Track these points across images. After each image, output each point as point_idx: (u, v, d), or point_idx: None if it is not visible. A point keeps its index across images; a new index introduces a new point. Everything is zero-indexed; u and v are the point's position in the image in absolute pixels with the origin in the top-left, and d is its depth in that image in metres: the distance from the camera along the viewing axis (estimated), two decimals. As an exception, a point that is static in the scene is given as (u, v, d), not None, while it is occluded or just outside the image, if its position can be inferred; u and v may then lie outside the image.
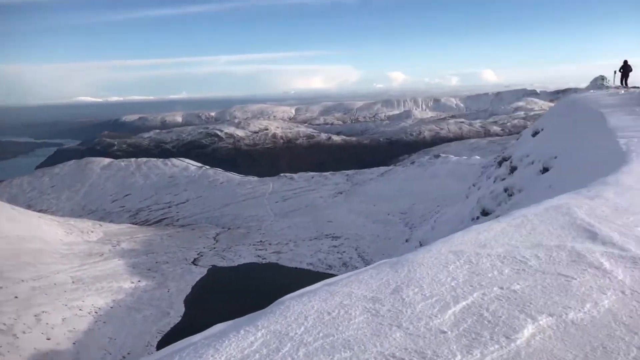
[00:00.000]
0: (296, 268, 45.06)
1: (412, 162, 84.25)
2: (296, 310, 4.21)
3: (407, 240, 41.73)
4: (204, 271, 44.41)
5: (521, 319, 3.93)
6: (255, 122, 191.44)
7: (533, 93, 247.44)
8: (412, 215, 56.17)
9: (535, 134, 28.30)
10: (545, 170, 23.29)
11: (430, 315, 4.01)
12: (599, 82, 32.05)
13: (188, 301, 37.29)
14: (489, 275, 4.77)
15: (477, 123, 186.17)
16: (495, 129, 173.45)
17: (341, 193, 72.11)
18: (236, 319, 4.69)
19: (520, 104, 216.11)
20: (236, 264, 46.96)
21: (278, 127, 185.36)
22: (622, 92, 27.61)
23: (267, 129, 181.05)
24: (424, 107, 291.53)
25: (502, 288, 4.48)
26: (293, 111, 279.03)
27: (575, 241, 5.65)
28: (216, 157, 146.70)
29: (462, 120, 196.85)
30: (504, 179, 27.70)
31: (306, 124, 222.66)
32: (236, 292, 37.85)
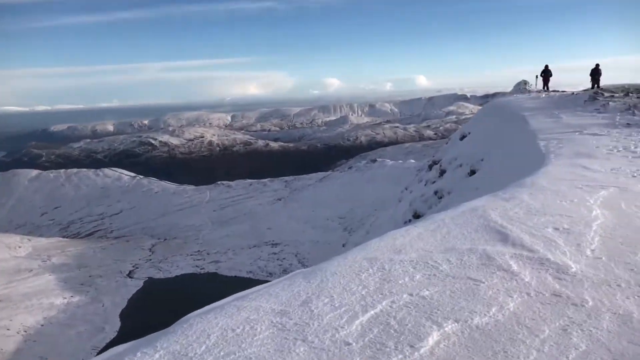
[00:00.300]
0: (235, 277, 44.50)
1: (350, 167, 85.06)
2: (199, 329, 4.02)
3: (344, 245, 42.02)
4: (140, 284, 43.19)
5: (427, 326, 3.90)
6: (190, 130, 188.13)
7: (463, 97, 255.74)
8: (350, 220, 56.62)
9: (462, 137, 29.10)
10: (472, 172, 23.95)
11: (337, 326, 3.92)
12: (521, 87, 33.36)
13: (124, 315, 36.15)
14: (400, 282, 4.74)
15: (412, 127, 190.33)
16: (429, 132, 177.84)
17: (280, 200, 71.87)
18: (137, 340, 4.44)
19: (452, 108, 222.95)
20: (173, 275, 45.93)
21: (214, 135, 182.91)
22: (543, 95, 28.83)
23: (202, 137, 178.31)
24: (359, 112, 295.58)
25: (411, 295, 4.45)
26: (229, 118, 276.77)
27: (487, 244, 5.72)
28: (150, 166, 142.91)
29: (397, 125, 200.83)
30: (434, 182, 28.32)
31: (243, 131, 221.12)
32: (174, 303, 36.86)
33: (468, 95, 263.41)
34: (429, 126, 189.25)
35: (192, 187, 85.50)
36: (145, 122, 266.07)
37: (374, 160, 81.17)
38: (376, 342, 3.68)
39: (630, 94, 23.90)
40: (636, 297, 4.37)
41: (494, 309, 4.16)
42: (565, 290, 4.50)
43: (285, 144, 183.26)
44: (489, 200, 8.10)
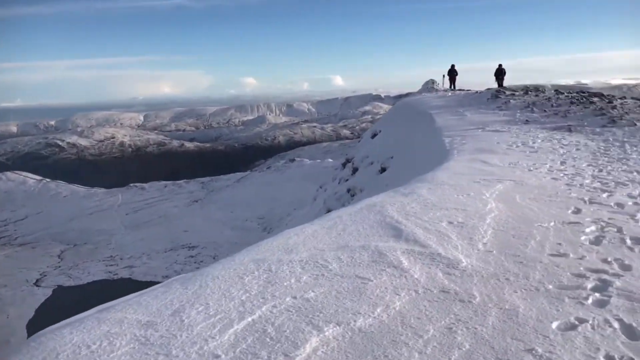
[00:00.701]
0: (151, 282, 42.82)
1: (268, 167, 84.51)
2: (48, 347, 3.50)
3: (260, 246, 41.50)
4: (49, 292, 40.75)
5: (307, 331, 3.59)
6: (101, 130, 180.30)
7: (378, 98, 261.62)
8: (270, 220, 56.10)
9: (374, 136, 29.45)
10: (383, 170, 24.23)
11: (207, 337, 3.53)
12: (429, 86, 34.28)
13: (31, 326, 33.87)
14: (285, 283, 4.42)
15: (329, 127, 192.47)
16: (346, 132, 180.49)
17: (197, 201, 70.15)
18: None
19: (367, 108, 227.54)
20: (84, 282, 43.70)
21: (125, 135, 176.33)
22: (449, 94, 29.72)
23: (113, 137, 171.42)
24: (277, 112, 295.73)
25: (295, 297, 4.14)
26: (141, 118, 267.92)
27: (380, 240, 5.53)
28: (58, 169, 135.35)
29: (315, 124, 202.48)
30: (347, 180, 28.47)
31: (156, 131, 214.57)
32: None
33: (382, 95, 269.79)
34: (345, 125, 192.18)
35: (103, 190, 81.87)
36: (52, 122, 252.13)
37: (293, 160, 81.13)
38: (248, 353, 3.33)
39: (530, 93, 25.07)
40: (523, 290, 4.29)
41: (379, 309, 3.92)
42: (453, 286, 4.35)
43: (202, 144, 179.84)
44: (389, 195, 7.98)
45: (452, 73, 33.55)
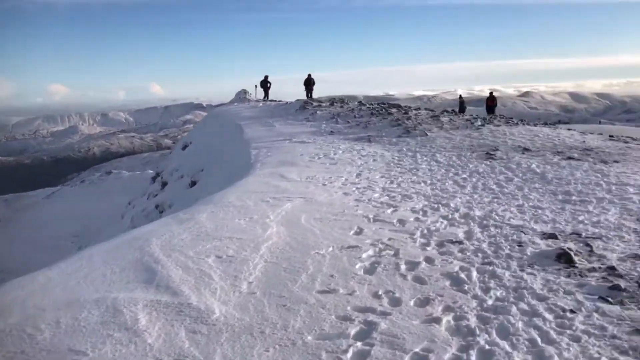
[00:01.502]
0: None
1: (82, 181, 77.56)
2: None
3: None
4: None
5: None
6: None
7: (200, 106, 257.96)
8: (86, 237, 50.71)
9: (184, 147, 28.07)
10: (193, 183, 23.02)
11: None
12: (242, 96, 33.75)
13: None
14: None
15: (149, 137, 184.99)
16: (167, 142, 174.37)
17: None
18: None
19: (189, 117, 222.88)
20: None
21: None
22: (261, 104, 29.45)
23: None
24: (91, 122, 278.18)
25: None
26: None
27: (125, 289, 4.51)
28: None
29: (133, 134, 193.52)
30: (156, 195, 26.68)
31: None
32: None
33: (204, 104, 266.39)
34: (166, 135, 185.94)
35: None
36: None
37: (109, 172, 75.42)
38: None
39: (335, 104, 25.66)
40: (277, 346, 3.59)
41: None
42: (194, 350, 3.51)
43: (4, 158, 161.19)
44: (162, 224, 6.99)
45: (265, 83, 33.38)
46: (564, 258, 5.40)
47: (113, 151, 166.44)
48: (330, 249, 5.80)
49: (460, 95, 32.22)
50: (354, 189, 9.78)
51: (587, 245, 5.98)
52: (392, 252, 5.76)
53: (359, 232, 6.60)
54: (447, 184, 10.47)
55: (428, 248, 5.97)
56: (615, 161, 12.45)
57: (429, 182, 10.70)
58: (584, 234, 6.56)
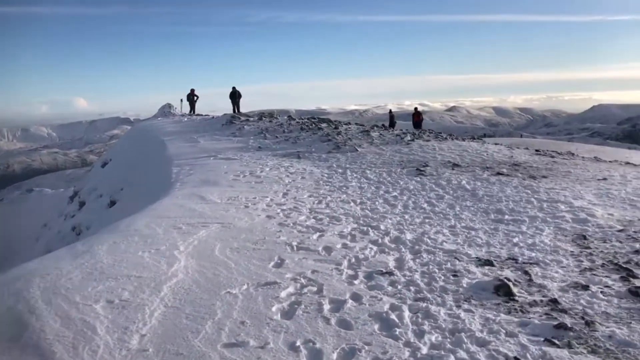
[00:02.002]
0: None
1: (1, 199, 72.81)
2: None
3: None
4: None
5: None
6: None
7: (127, 121, 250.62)
8: (6, 260, 47.51)
9: (104, 164, 26.48)
10: (112, 203, 21.59)
11: None
12: (166, 110, 32.42)
13: None
14: None
15: (73, 152, 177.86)
16: (93, 157, 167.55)
17: None
18: None
19: (116, 132, 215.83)
20: None
21: None
22: (186, 119, 28.29)
23: None
24: (10, 137, 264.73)
25: None
26: None
27: (-20, 353, 3.60)
28: None
29: (57, 150, 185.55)
30: (73, 216, 24.93)
31: None
32: None
33: (132, 118, 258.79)
34: (92, 151, 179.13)
35: None
36: None
37: (31, 190, 71.07)
38: None
39: (264, 118, 24.93)
40: None
41: None
42: None
43: None
44: (53, 258, 6.02)
45: (192, 97, 32.20)
46: (503, 290, 4.90)
47: (35, 168, 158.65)
48: (245, 286, 5.05)
49: (390, 110, 32.27)
50: (278, 210, 9.07)
51: (525, 273, 5.53)
52: (315, 289, 5.08)
53: (280, 263, 5.88)
54: (377, 203, 9.96)
55: (355, 282, 5.33)
56: (544, 176, 12.38)
57: (358, 201, 10.16)
58: (520, 259, 6.14)
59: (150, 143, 22.94)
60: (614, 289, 5.00)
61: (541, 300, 4.70)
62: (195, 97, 32.39)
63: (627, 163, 15.91)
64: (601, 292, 4.90)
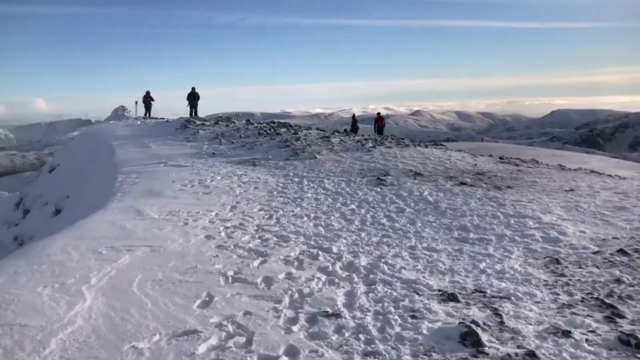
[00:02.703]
0: None
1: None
2: None
3: None
4: None
5: None
6: None
7: (88, 122, 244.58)
8: None
9: (52, 170, 24.96)
10: (58, 212, 20.27)
11: None
12: (119, 112, 31.01)
13: None
14: None
15: (32, 155, 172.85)
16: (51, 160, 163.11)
17: None
18: None
19: (76, 133, 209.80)
20: None
21: None
22: (139, 122, 26.98)
23: None
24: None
25: None
26: None
27: None
28: None
29: (14, 152, 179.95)
30: (17, 225, 23.38)
31: None
32: None
33: (93, 120, 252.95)
34: (51, 153, 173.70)
35: None
36: None
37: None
38: None
39: (220, 122, 23.85)
40: None
41: None
42: None
43: None
44: None
45: (147, 99, 30.84)
46: (470, 339, 4.07)
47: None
48: (156, 337, 4.09)
49: (354, 115, 31.45)
50: (221, 228, 8.11)
51: (495, 312, 4.72)
52: (243, 340, 4.15)
53: (207, 302, 4.93)
54: (332, 217, 9.11)
55: (294, 328, 4.42)
56: (509, 187, 11.73)
57: (312, 215, 9.28)
58: (489, 291, 5.34)
59: (99, 148, 21.64)
60: (600, 334, 4.22)
61: (516, 354, 3.88)
62: (151, 100, 31.05)
63: (592, 171, 15.46)
64: (586, 340, 4.11)
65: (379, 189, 11.65)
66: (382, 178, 12.77)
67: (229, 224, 8.45)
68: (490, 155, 18.29)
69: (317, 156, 16.19)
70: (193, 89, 28.73)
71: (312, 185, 12.40)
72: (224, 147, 18.72)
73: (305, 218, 9.08)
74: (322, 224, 8.65)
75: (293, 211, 9.64)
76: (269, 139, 19.47)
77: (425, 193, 11.07)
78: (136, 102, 31.09)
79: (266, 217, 9.18)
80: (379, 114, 30.54)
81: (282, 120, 28.96)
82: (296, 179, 13.20)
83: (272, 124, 23.78)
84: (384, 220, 8.84)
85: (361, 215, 9.25)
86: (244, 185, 12.53)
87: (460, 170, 14.15)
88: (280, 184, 12.60)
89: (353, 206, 10.04)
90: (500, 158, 17.10)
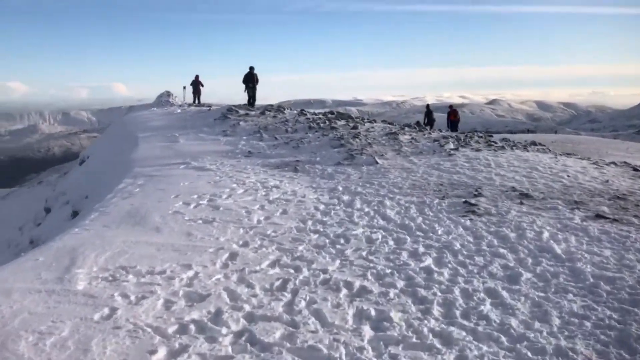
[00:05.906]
0: None
1: (40, 182, 70.65)
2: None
3: None
4: None
5: None
6: None
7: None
8: (44, 241, 44.69)
9: (82, 162, 22.21)
10: (75, 214, 17.38)
11: None
12: (163, 99, 27.99)
13: None
14: None
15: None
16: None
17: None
18: None
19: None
20: None
21: None
22: (179, 110, 23.71)
23: None
24: (52, 120, 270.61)
25: None
26: None
27: None
28: None
29: (96, 134, 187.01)
30: (39, 224, 20.81)
31: None
32: None
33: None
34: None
35: None
36: None
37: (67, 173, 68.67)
38: None
39: (267, 112, 20.05)
40: None
41: None
42: None
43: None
44: None
45: (196, 84, 27.68)
46: None
47: (75, 151, 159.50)
48: None
49: (428, 105, 26.76)
50: (171, 330, 4.28)
51: None
52: None
53: None
54: (391, 292, 5.11)
55: None
56: (682, 227, 7.26)
57: (357, 285, 5.31)
58: None
59: (124, 141, 18.52)
60: None
61: None
62: (201, 85, 27.87)
63: None
64: None
65: (468, 223, 7.50)
66: (472, 201, 8.57)
67: (196, 314, 4.58)
68: (614, 164, 13.49)
69: (379, 161, 12.14)
70: (251, 69, 23.11)
71: (366, 210, 8.40)
72: (264, 143, 14.99)
73: (343, 296, 5.09)
74: (372, 312, 4.67)
75: (326, 272, 5.69)
76: (321, 134, 15.53)
77: (545, 235, 6.84)
78: (184, 87, 28.02)
79: (276, 286, 5.28)
80: (451, 106, 25.95)
81: (343, 111, 24.91)
82: (345, 197, 9.25)
83: (329, 115, 19.67)
84: (488, 306, 4.76)
85: (443, 286, 5.23)
86: (270, 206, 8.72)
87: (587, 190, 9.66)
88: (322, 206, 8.67)
89: (428, 261, 5.99)
90: (635, 169, 12.33)
